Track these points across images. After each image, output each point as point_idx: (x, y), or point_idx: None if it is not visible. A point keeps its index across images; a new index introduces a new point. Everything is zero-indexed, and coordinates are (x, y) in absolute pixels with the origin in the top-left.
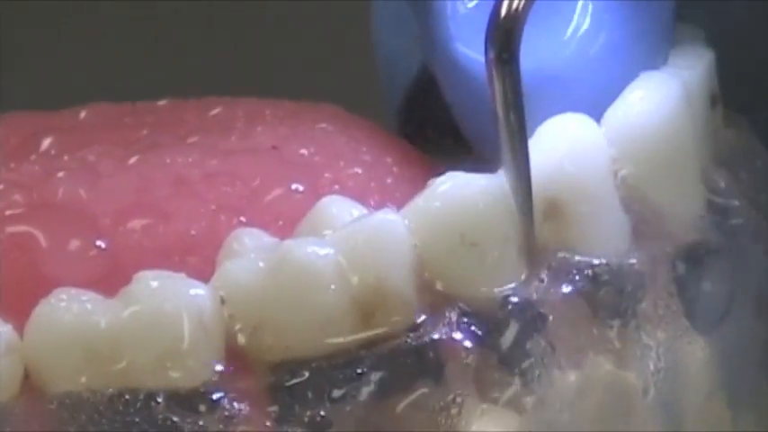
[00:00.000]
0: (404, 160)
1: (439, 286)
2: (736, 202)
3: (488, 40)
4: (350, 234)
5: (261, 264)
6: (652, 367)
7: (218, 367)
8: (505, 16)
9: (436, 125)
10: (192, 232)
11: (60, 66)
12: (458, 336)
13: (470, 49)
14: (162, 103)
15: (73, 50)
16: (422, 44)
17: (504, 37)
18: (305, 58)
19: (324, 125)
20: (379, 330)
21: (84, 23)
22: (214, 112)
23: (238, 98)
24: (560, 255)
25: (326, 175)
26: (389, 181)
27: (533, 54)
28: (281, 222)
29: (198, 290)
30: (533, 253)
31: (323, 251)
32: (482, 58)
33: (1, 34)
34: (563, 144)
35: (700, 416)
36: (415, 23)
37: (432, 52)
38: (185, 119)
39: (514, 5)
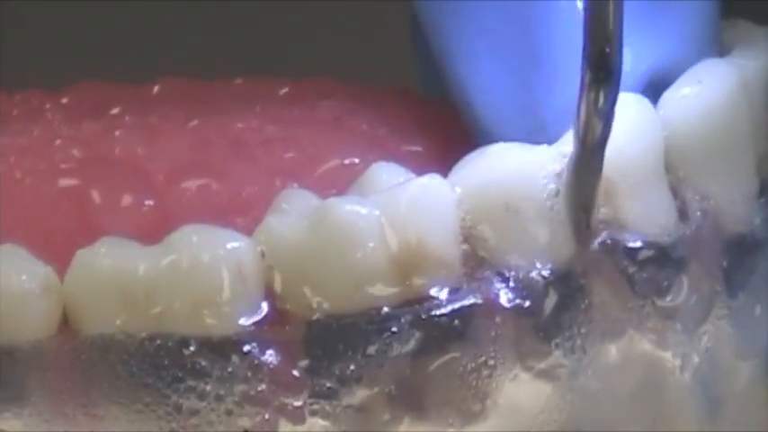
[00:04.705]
0: (468, 144)
1: (481, 252)
2: None
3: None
4: (393, 195)
5: (302, 219)
6: (691, 349)
7: (254, 318)
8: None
9: None
10: (244, 194)
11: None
12: (496, 301)
13: None
14: (237, 81)
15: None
16: None
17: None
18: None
19: (390, 103)
20: (417, 290)
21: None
22: (285, 89)
23: (313, 78)
24: (607, 231)
25: (385, 149)
26: (449, 161)
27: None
28: (333, 191)
29: (237, 242)
30: (581, 226)
31: (363, 210)
32: None
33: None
34: (620, 124)
35: (740, 401)
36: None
37: None
38: (256, 94)
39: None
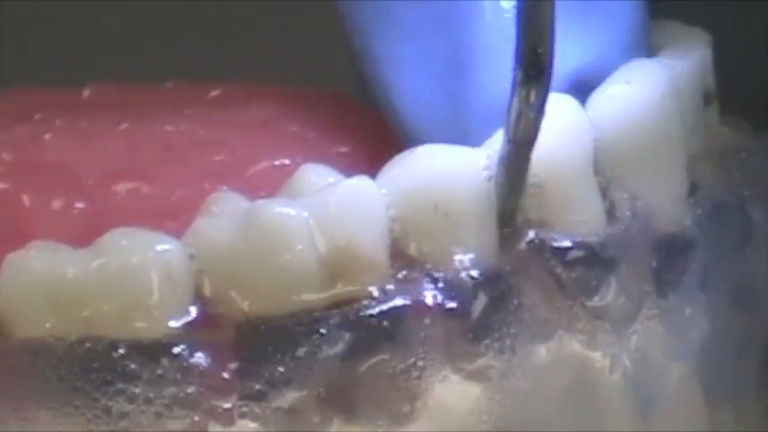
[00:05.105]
0: (397, 147)
1: (411, 253)
2: (723, 198)
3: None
4: (322, 197)
5: (231, 222)
6: (620, 349)
7: (184, 321)
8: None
9: None
10: (174, 197)
11: (61, 48)
12: (425, 303)
13: None
14: (167, 84)
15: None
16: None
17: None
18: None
19: (320, 105)
20: (346, 292)
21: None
22: (215, 92)
23: (244, 82)
24: (536, 231)
25: (315, 151)
26: (378, 163)
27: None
28: (263, 193)
29: (167, 245)
30: (509, 227)
31: (292, 212)
32: None
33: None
34: (549, 124)
35: (671, 402)
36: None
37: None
38: (185, 97)
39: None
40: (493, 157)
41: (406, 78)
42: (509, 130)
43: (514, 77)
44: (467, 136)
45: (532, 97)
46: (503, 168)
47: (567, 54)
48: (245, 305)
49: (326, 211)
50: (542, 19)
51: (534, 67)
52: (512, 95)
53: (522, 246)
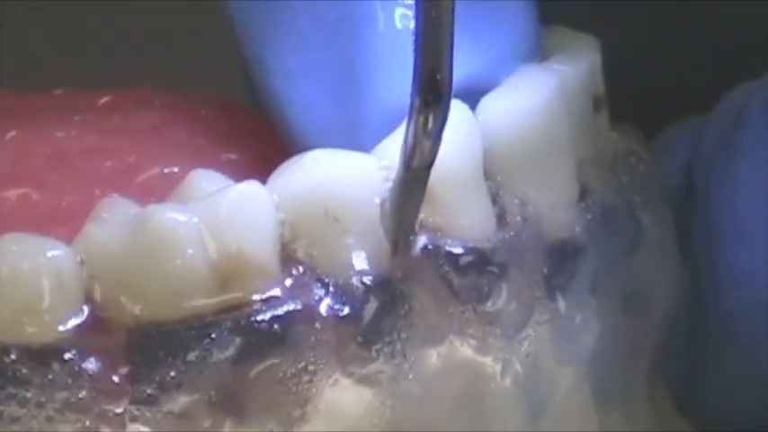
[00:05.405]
0: (287, 153)
1: (302, 258)
2: (613, 203)
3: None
4: (212, 202)
5: (121, 228)
6: (511, 354)
7: (75, 325)
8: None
9: None
10: (64, 203)
11: None
12: (316, 308)
13: None
14: (57, 92)
15: None
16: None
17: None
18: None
19: (209, 112)
20: (237, 297)
21: None
22: (105, 99)
23: (134, 88)
24: (427, 236)
25: (205, 157)
26: (267, 170)
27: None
28: (153, 199)
29: (57, 251)
30: (401, 235)
31: (182, 217)
32: None
33: None
34: None
35: (562, 407)
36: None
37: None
38: (76, 105)
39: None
40: (386, 165)
41: (298, 88)
42: (406, 157)
43: (412, 103)
44: (359, 147)
45: (430, 124)
46: (399, 190)
47: (458, 62)
48: (136, 310)
49: (217, 217)
50: (441, 44)
51: (432, 93)
52: (409, 122)
53: (414, 251)
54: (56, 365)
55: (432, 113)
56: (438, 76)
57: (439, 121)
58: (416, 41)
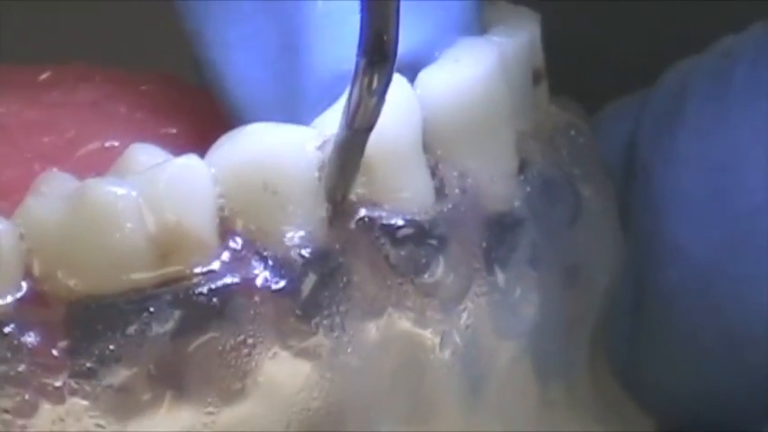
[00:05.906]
0: (227, 128)
1: (240, 232)
2: (553, 176)
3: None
4: (151, 176)
5: (60, 201)
6: (450, 326)
7: (14, 299)
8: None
9: None
10: (4, 177)
11: None
12: (254, 281)
13: None
14: None
15: None
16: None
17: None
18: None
19: (149, 87)
20: (176, 270)
21: None
22: (45, 74)
23: (74, 64)
24: (365, 209)
25: (144, 132)
26: (207, 144)
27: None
28: (93, 174)
29: None
30: (339, 206)
31: (121, 191)
32: None
33: None
34: None
35: (502, 380)
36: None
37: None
38: (16, 80)
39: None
40: (324, 138)
41: (237, 61)
42: (348, 117)
43: (357, 63)
44: (297, 120)
45: (375, 83)
46: (338, 152)
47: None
48: (75, 284)
49: (155, 190)
50: (387, 5)
51: (378, 53)
52: (353, 82)
53: (352, 224)
54: None
55: (377, 73)
56: (384, 37)
57: (383, 80)
58: (363, 2)
